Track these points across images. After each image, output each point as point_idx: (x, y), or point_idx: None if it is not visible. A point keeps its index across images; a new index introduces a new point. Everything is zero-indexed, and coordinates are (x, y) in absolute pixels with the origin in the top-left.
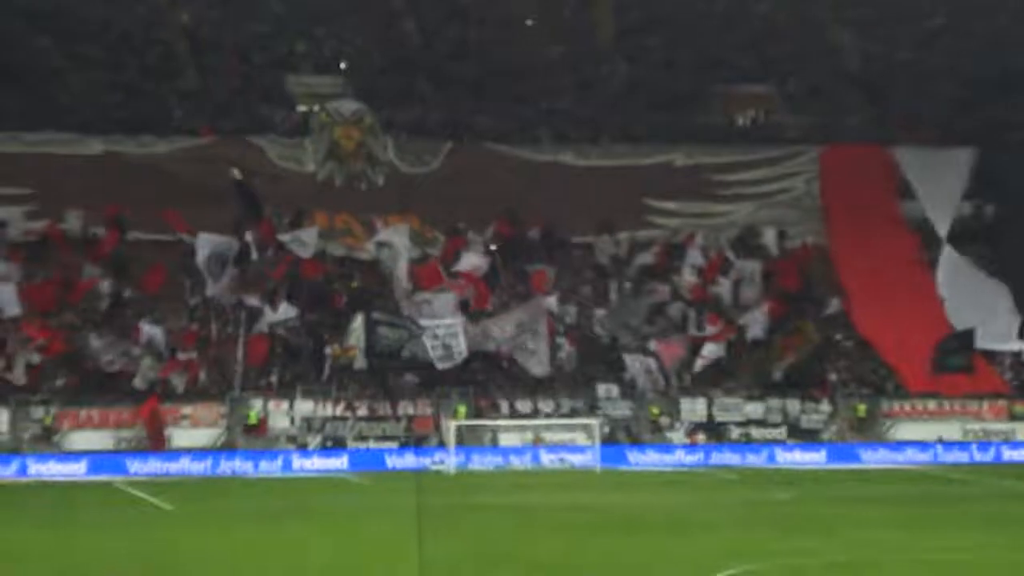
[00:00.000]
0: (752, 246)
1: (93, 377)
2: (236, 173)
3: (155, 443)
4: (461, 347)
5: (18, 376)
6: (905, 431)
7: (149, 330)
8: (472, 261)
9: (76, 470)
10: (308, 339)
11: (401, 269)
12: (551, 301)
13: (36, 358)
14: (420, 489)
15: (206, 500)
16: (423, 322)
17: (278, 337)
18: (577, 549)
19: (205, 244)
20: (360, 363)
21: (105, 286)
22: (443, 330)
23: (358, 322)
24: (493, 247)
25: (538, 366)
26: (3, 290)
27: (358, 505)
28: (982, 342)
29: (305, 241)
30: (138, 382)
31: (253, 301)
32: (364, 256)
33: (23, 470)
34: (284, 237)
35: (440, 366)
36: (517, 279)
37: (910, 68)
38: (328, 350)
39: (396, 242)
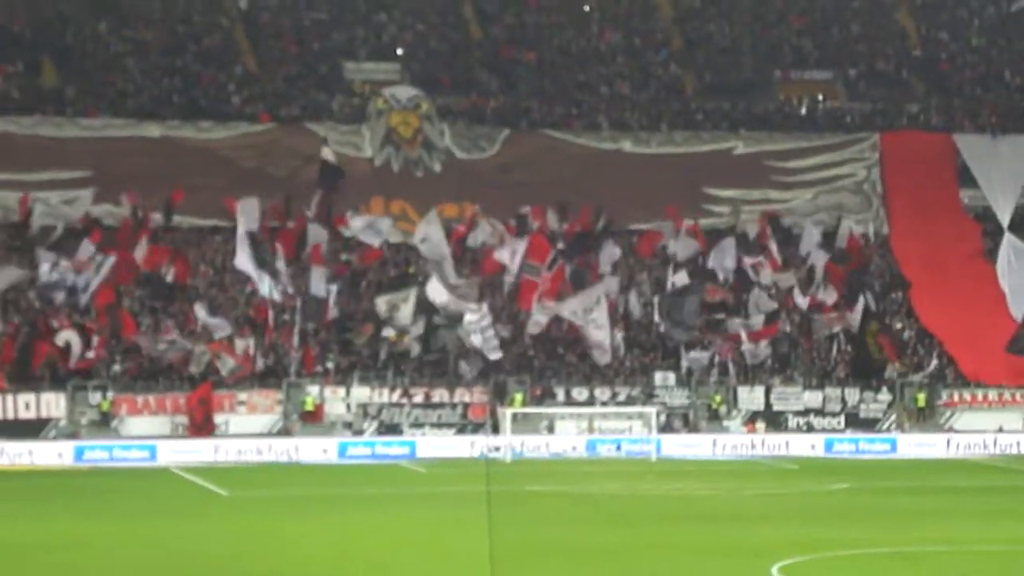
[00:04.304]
0: (814, 234)
1: (150, 363)
2: (328, 153)
3: (201, 430)
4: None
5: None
6: (966, 421)
7: (205, 316)
8: (526, 248)
9: (132, 456)
10: (361, 325)
11: (446, 260)
12: (610, 289)
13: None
14: (476, 477)
15: (266, 487)
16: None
17: (332, 323)
18: (640, 538)
19: (244, 246)
20: (415, 350)
21: (161, 271)
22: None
23: (410, 302)
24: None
25: (601, 355)
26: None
27: (417, 493)
28: None
29: (380, 230)
30: (193, 368)
31: (313, 287)
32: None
33: (79, 456)
34: (356, 223)
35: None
36: (576, 267)
37: (973, 55)
38: (385, 334)
39: (432, 235)
